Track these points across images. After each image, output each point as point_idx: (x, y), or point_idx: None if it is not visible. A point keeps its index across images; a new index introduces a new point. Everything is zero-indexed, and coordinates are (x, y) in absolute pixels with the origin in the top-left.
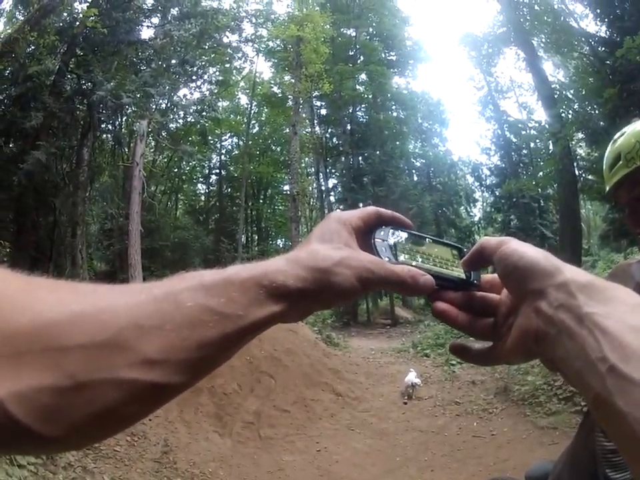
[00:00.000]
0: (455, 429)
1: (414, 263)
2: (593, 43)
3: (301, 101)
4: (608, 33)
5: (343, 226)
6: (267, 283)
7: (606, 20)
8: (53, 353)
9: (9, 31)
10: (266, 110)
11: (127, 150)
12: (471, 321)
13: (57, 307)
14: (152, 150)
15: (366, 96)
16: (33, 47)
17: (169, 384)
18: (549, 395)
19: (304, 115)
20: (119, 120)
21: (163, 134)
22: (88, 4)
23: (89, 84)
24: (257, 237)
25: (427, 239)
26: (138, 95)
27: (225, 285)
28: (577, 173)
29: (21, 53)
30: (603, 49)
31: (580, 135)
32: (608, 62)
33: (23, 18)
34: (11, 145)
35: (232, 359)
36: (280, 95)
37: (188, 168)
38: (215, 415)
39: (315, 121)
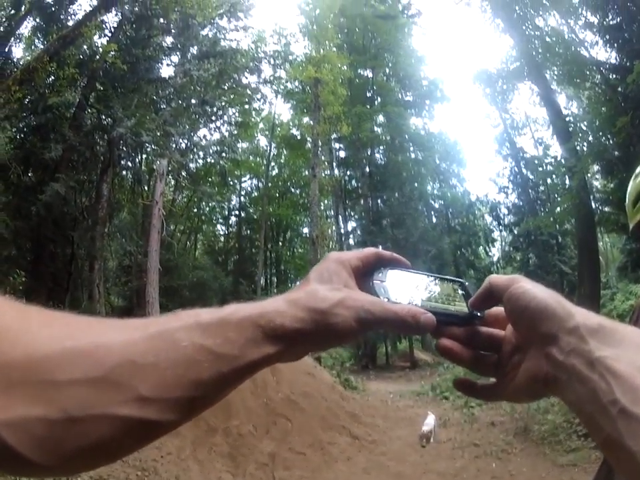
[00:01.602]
0: (474, 470)
1: (414, 302)
2: (603, 70)
3: (320, 143)
4: (618, 58)
5: (342, 266)
6: (264, 323)
7: (615, 45)
8: (45, 386)
9: (28, 58)
10: (285, 152)
11: (146, 188)
12: (475, 357)
13: (51, 341)
14: (172, 189)
15: (384, 137)
16: (52, 78)
17: (161, 421)
18: (568, 433)
19: (323, 157)
20: (139, 157)
21: (183, 173)
22: (108, 38)
23: (109, 119)
24: (276, 279)
25: (427, 276)
26: (158, 134)
27: (222, 324)
28: (593, 205)
29: (40, 82)
30: (614, 76)
31: (595, 167)
32: (619, 89)
33: (42, 46)
34: (29, 174)
35: (248, 401)
36: (299, 137)
37: (207, 208)
38: (229, 455)
39: (334, 163)
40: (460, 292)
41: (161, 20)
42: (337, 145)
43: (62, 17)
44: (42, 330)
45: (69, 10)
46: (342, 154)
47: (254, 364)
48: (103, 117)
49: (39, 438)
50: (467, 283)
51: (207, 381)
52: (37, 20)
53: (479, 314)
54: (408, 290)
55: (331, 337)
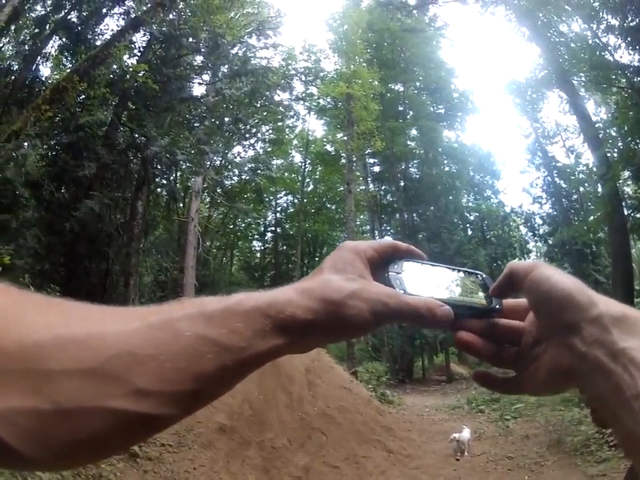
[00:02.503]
0: None
1: (431, 294)
2: (628, 74)
3: (354, 159)
4: None
5: (357, 256)
6: (273, 313)
7: (637, 47)
8: (36, 376)
9: (57, 77)
10: (320, 168)
11: (181, 205)
12: (495, 351)
13: (45, 329)
14: (207, 206)
15: (417, 151)
16: (83, 97)
17: (160, 416)
18: (600, 443)
19: (357, 173)
20: (174, 175)
21: (218, 190)
22: (137, 58)
23: (143, 138)
24: None
25: (444, 268)
26: (192, 152)
27: (228, 314)
28: (625, 212)
29: (71, 101)
30: (639, 78)
31: (627, 173)
32: None
33: (70, 65)
34: (62, 191)
35: (283, 415)
36: (333, 153)
37: (243, 225)
38: (262, 467)
39: (369, 178)
40: (478, 284)
41: (190, 39)
42: (371, 160)
43: (89, 36)
44: (36, 317)
45: (96, 30)
46: (376, 169)
47: (261, 356)
48: (136, 136)
49: (29, 430)
50: (485, 275)
51: (210, 374)
52: (64, 39)
53: (497, 306)
54: (425, 282)
55: (344, 329)
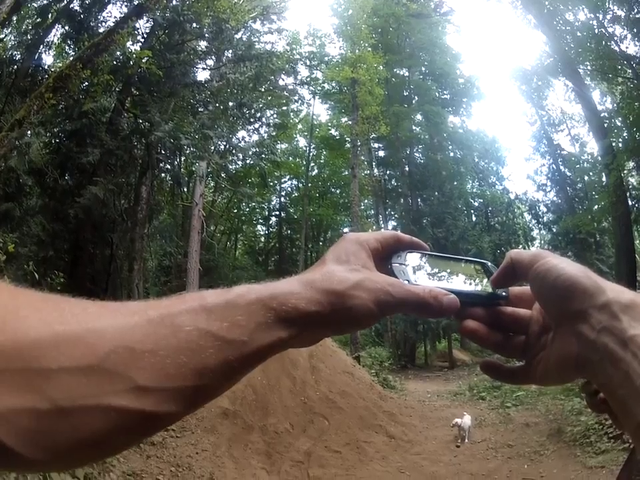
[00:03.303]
0: (506, 471)
1: (435, 284)
2: (634, 65)
3: (359, 143)
4: None
5: (360, 247)
6: (276, 305)
7: None
8: (33, 374)
9: (60, 65)
10: (324, 152)
11: (186, 190)
12: (502, 339)
13: (41, 326)
14: (211, 191)
15: (422, 137)
16: (86, 84)
17: (161, 413)
18: (599, 434)
19: (362, 157)
20: (178, 160)
21: (223, 175)
22: (141, 44)
23: (147, 124)
24: None
25: (448, 258)
26: (196, 137)
27: (229, 307)
28: (630, 203)
29: (74, 89)
30: None
31: (631, 164)
32: None
33: (72, 53)
34: (67, 178)
35: (286, 399)
36: (338, 138)
37: (247, 209)
38: (265, 452)
39: (373, 163)
40: (483, 272)
41: (194, 25)
42: (375, 145)
43: (92, 24)
44: (32, 314)
45: (99, 17)
46: (381, 153)
47: (265, 350)
48: (140, 121)
49: (28, 430)
50: (489, 264)
51: (212, 369)
52: (66, 28)
53: (503, 293)
54: (429, 272)
55: (348, 320)
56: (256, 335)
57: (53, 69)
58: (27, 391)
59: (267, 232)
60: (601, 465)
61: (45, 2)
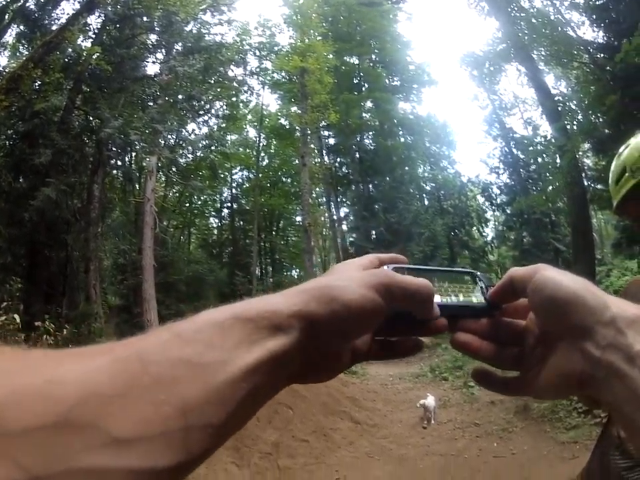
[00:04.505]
0: (475, 450)
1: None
2: (591, 50)
3: (309, 132)
4: (605, 38)
5: (345, 266)
6: (254, 315)
7: (602, 25)
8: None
9: (14, 65)
10: (274, 142)
11: (137, 186)
12: (495, 351)
13: None
14: (163, 185)
15: (372, 123)
16: (38, 83)
17: (155, 469)
18: (568, 410)
19: (312, 146)
20: (128, 156)
21: (173, 169)
22: (92, 40)
23: (97, 121)
24: (271, 269)
25: (435, 271)
26: (146, 132)
27: (201, 329)
28: (585, 183)
29: (26, 89)
30: (602, 55)
31: (586, 145)
32: (608, 68)
33: (27, 52)
34: (20, 181)
35: None
36: (287, 127)
37: (199, 202)
38: (233, 446)
39: (324, 151)
40: (472, 283)
41: (144, 18)
42: (325, 133)
43: (45, 22)
44: None
45: (52, 15)
46: (331, 141)
47: (252, 368)
48: (91, 119)
49: None
50: (478, 273)
51: (197, 401)
52: (21, 27)
53: (497, 305)
54: None
55: (341, 313)
56: (236, 352)
57: (6, 70)
58: None
59: (219, 224)
60: (574, 440)
61: (3, 3)
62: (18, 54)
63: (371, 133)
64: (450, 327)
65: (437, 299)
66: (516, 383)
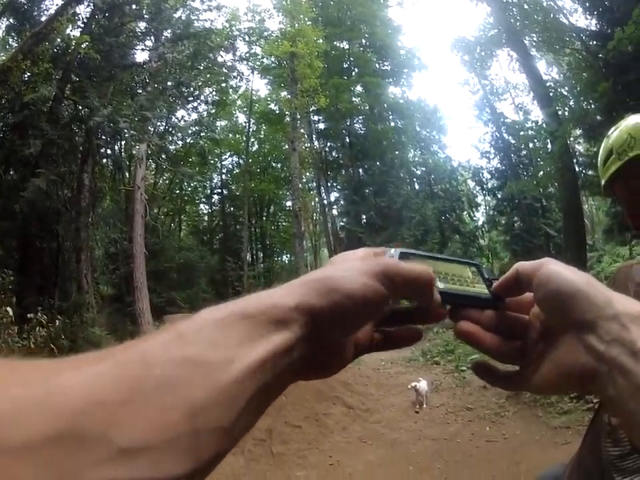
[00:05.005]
0: (468, 434)
1: (436, 283)
2: (584, 37)
3: (299, 117)
4: (598, 26)
5: (343, 257)
6: (253, 311)
7: (595, 13)
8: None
9: (3, 58)
10: (264, 127)
11: (127, 174)
12: (497, 344)
13: None
14: (153, 173)
15: (362, 108)
16: (28, 75)
17: (167, 479)
18: (560, 395)
19: (302, 130)
20: (118, 145)
21: (163, 156)
22: (81, 29)
23: (86, 110)
24: (262, 255)
25: (438, 259)
26: (135, 119)
27: (203, 327)
28: (577, 169)
29: (15, 81)
30: (595, 42)
31: (578, 132)
32: (600, 55)
33: (16, 45)
34: (11, 173)
35: None
36: (277, 112)
37: (189, 189)
38: None
39: (314, 136)
40: (477, 274)
41: (133, 6)
42: (315, 117)
43: (35, 14)
44: None
45: (42, 6)
46: (321, 126)
47: (260, 364)
48: (80, 108)
49: None
50: (483, 265)
51: (206, 403)
52: (11, 20)
53: (502, 298)
54: None
55: (342, 302)
56: (240, 350)
57: None
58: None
59: (210, 210)
60: (566, 426)
61: None
62: (7, 47)
63: (361, 118)
64: (453, 315)
65: (442, 285)
66: (517, 378)
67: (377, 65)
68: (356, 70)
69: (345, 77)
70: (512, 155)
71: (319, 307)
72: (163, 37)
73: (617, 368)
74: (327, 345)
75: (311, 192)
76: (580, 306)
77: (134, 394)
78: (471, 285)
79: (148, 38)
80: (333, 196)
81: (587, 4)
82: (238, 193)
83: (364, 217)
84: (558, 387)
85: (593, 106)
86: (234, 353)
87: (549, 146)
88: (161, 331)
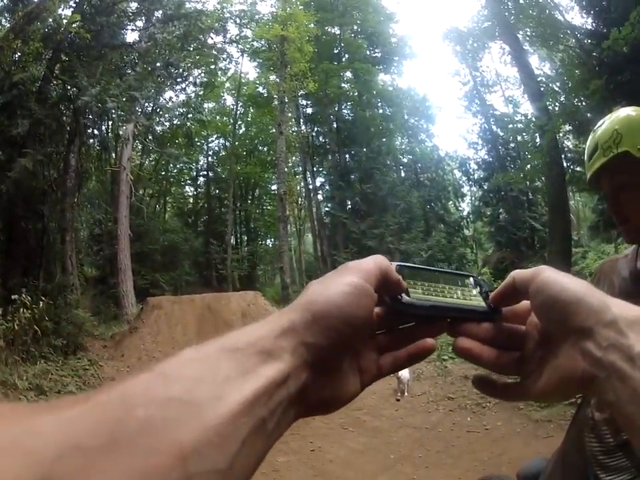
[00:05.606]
0: (449, 424)
1: (432, 298)
2: (578, 35)
3: (287, 100)
4: (594, 25)
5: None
6: (242, 345)
7: (592, 12)
8: None
9: None
10: (252, 110)
11: (113, 154)
12: (495, 356)
13: None
14: (139, 153)
15: (351, 94)
16: (18, 54)
17: None
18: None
19: (290, 114)
20: (105, 125)
21: (149, 137)
22: (72, 9)
23: (74, 89)
24: (246, 238)
25: (436, 272)
26: (123, 99)
27: (186, 364)
28: (565, 164)
29: (6, 60)
30: (589, 40)
31: (567, 127)
32: (594, 54)
33: (8, 25)
34: None
35: None
36: (265, 95)
37: (175, 170)
38: None
39: (301, 120)
40: (472, 286)
41: None
42: (303, 102)
43: None
44: None
45: None
46: (309, 110)
47: (253, 398)
48: (68, 88)
49: None
50: (476, 277)
51: (195, 446)
52: (4, 1)
53: (498, 310)
54: (420, 286)
55: (329, 310)
56: (229, 385)
57: None
58: None
59: (195, 193)
60: (547, 419)
61: None
62: (0, 27)
63: (349, 103)
64: (450, 330)
65: (438, 299)
66: (517, 388)
67: (368, 52)
68: (346, 56)
69: (335, 63)
70: (500, 147)
71: (304, 322)
72: (154, 18)
73: (615, 373)
74: (326, 372)
75: (297, 176)
76: (577, 312)
77: (115, 437)
78: (468, 298)
79: (139, 18)
80: (319, 181)
81: (584, 3)
82: (224, 176)
83: (349, 202)
84: (558, 394)
85: (583, 103)
86: (223, 388)
87: (538, 140)
88: (142, 371)
